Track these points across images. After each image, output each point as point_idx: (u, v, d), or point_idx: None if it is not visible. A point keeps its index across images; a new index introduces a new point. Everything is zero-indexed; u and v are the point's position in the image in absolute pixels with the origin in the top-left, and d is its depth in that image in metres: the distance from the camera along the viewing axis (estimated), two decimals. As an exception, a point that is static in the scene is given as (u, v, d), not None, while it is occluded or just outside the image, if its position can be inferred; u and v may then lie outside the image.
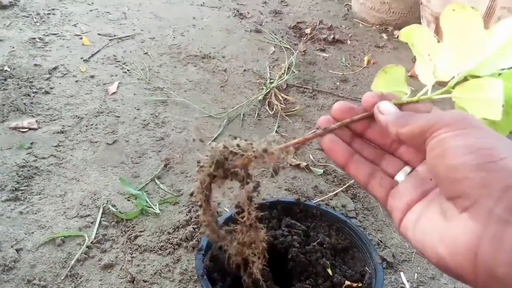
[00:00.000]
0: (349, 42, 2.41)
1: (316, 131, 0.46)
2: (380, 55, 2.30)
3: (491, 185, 0.32)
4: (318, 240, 0.85)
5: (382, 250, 1.20)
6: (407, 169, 0.44)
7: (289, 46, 2.24)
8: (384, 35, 2.53)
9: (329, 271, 0.79)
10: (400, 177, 0.43)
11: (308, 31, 2.44)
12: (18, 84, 1.67)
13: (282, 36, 2.36)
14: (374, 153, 0.46)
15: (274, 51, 2.21)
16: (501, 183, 0.32)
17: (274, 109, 1.75)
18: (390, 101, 0.44)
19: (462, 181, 0.33)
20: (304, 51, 2.22)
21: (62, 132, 1.49)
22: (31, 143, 1.42)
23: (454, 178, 0.34)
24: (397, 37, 2.50)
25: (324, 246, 0.84)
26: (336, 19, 2.70)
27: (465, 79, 0.44)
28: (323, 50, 2.28)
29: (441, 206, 0.37)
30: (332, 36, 2.38)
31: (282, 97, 1.82)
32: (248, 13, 2.62)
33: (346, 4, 2.92)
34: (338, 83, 2.01)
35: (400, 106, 0.44)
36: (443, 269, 0.36)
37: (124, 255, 1.12)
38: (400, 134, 0.40)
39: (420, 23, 2.28)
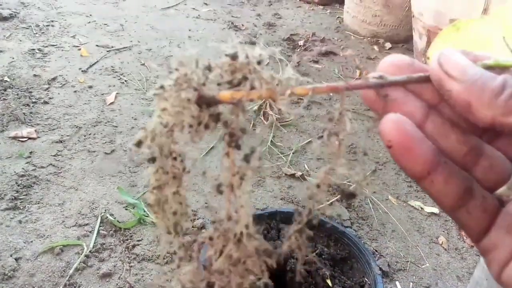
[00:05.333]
0: (341, 54, 2.45)
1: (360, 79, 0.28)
2: (372, 67, 2.34)
3: None
4: (317, 251, 0.86)
5: (377, 259, 1.22)
6: None
7: (283, 58, 2.28)
8: (376, 47, 2.58)
9: (329, 282, 0.80)
10: (506, 192, 0.26)
11: (301, 43, 2.48)
12: (17, 94, 1.69)
13: (276, 48, 2.39)
14: (462, 139, 0.27)
15: (268, 63, 2.24)
16: None
17: (269, 119, 1.77)
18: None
19: None
20: (298, 63, 2.26)
21: (61, 142, 1.50)
22: (30, 153, 1.43)
23: None
24: (388, 49, 2.55)
25: (323, 256, 0.86)
26: (329, 31, 2.75)
27: None
28: (316, 62, 2.32)
29: None
30: (324, 48, 2.43)
31: (276, 107, 1.84)
32: (242, 25, 2.66)
33: (338, 17, 2.97)
34: (331, 94, 2.04)
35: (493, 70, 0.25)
36: None
37: (122, 264, 1.13)
38: (504, 126, 0.23)
39: (411, 35, 2.33)
